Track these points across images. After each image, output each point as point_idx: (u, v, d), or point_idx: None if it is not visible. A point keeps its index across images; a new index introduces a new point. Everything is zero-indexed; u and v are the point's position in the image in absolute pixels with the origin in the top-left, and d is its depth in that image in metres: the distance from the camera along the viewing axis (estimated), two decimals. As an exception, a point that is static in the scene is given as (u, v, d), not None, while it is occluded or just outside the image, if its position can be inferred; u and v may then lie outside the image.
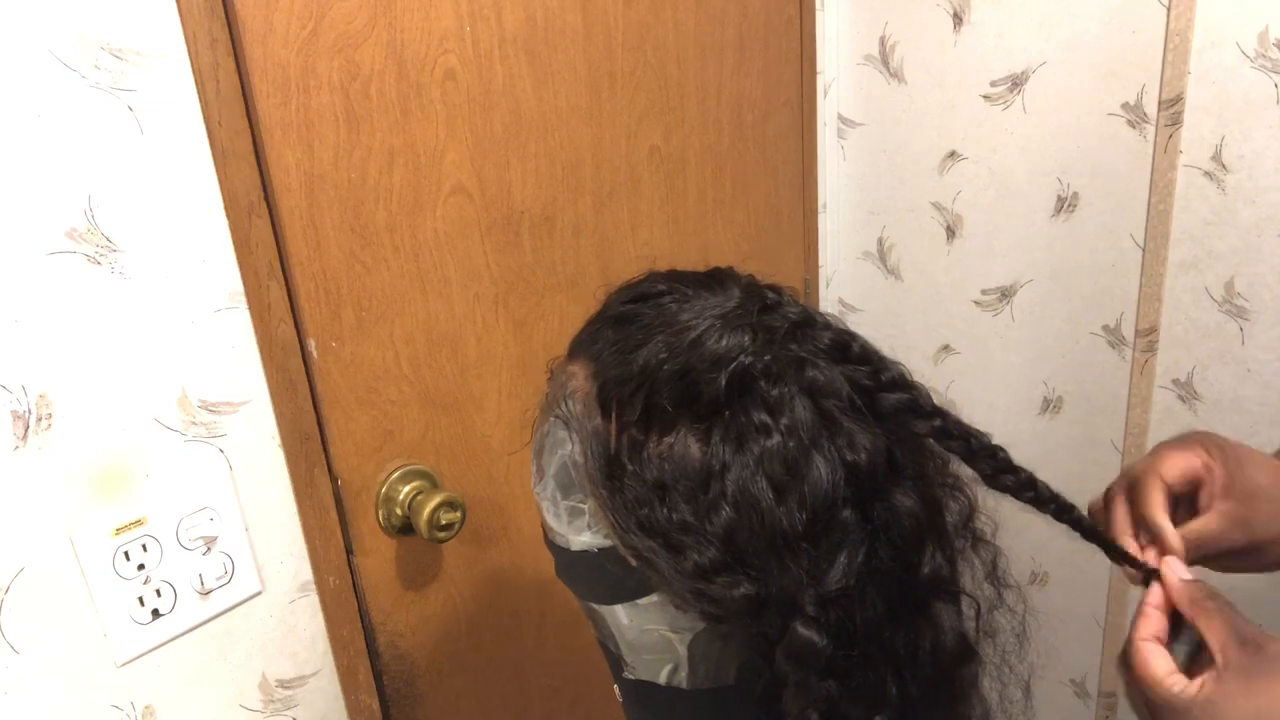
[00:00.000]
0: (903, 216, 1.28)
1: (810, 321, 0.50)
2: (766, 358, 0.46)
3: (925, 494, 0.48)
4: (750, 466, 0.45)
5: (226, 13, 0.71)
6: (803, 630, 0.45)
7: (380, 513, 0.87)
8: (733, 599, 0.46)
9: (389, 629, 0.90)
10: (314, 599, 0.85)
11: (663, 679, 0.54)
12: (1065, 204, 1.14)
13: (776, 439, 0.45)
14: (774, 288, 0.52)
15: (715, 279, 0.52)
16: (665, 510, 0.46)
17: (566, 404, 0.51)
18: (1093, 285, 1.16)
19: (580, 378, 0.51)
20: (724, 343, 0.47)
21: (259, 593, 0.80)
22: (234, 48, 0.72)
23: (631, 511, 0.47)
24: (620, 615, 0.53)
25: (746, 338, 0.47)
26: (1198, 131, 1.03)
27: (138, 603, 0.73)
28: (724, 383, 0.46)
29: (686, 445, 0.46)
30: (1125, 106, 1.07)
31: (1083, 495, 1.27)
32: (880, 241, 1.31)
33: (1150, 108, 1.05)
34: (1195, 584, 0.52)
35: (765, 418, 0.45)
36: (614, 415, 0.48)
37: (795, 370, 0.46)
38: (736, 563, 0.46)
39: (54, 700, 0.69)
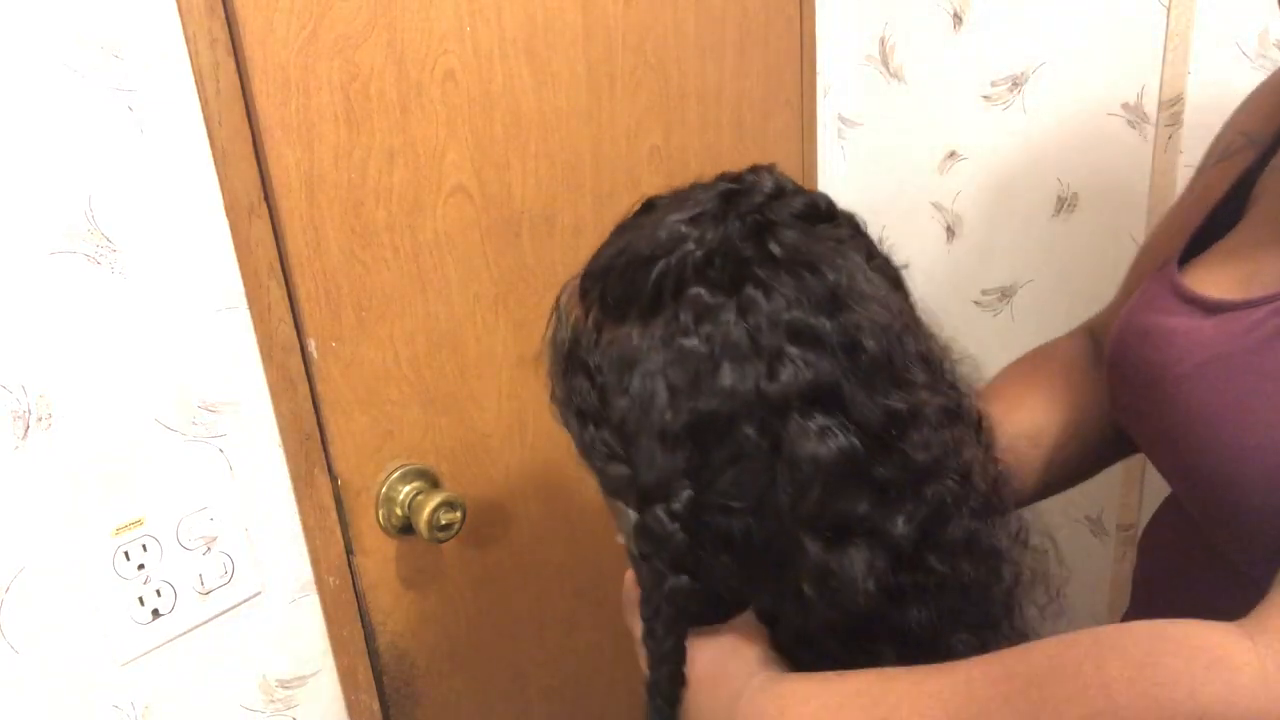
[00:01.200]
0: (903, 216, 1.28)
1: (778, 193, 0.51)
2: (715, 260, 0.48)
3: (863, 439, 0.47)
4: (659, 364, 0.47)
5: (226, 13, 0.71)
6: (652, 512, 0.49)
7: (380, 513, 0.87)
8: (613, 478, 0.51)
9: (389, 629, 0.90)
10: (314, 599, 0.85)
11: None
12: (1065, 204, 1.14)
13: (693, 342, 0.47)
14: (755, 170, 0.53)
15: (718, 181, 0.53)
16: (594, 395, 0.51)
17: (559, 300, 0.56)
18: (1093, 285, 1.16)
19: (574, 281, 0.55)
20: (666, 236, 0.49)
21: (259, 593, 0.80)
22: (234, 48, 0.72)
23: (570, 398, 0.53)
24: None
25: (693, 231, 0.49)
26: (1198, 131, 1.03)
27: (138, 603, 0.73)
28: (652, 280, 0.48)
29: (629, 338, 0.49)
30: (1125, 106, 1.07)
31: (1082, 495, 1.26)
32: (880, 241, 1.31)
33: (1150, 108, 1.05)
34: None
35: (689, 320, 0.47)
36: (582, 308, 0.53)
37: (736, 283, 0.47)
38: (623, 446, 0.50)
39: (54, 700, 0.69)
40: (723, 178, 0.53)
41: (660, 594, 0.50)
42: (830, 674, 0.48)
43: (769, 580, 0.51)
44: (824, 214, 0.51)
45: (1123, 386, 0.62)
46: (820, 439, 0.46)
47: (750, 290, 0.47)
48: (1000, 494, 0.54)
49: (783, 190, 0.51)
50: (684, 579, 0.49)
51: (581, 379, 0.52)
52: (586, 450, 0.53)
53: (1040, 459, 0.69)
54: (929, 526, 0.49)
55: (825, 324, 0.46)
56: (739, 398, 0.46)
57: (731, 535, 0.49)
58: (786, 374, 0.45)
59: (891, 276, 0.53)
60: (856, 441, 0.46)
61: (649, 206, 0.54)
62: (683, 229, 0.49)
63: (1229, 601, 0.53)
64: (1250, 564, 0.53)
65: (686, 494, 0.48)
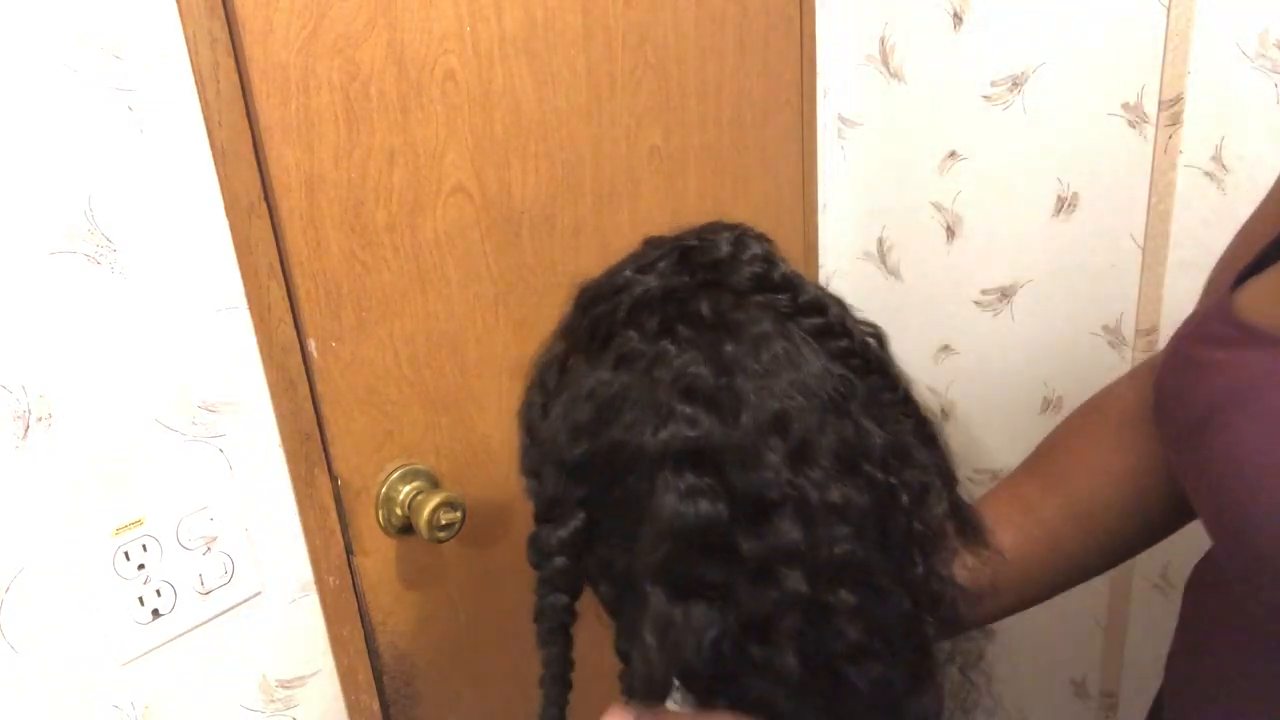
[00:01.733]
0: (903, 216, 1.28)
1: (731, 259, 0.51)
2: (646, 311, 0.50)
3: (732, 510, 0.47)
4: (577, 396, 0.50)
5: (226, 13, 0.71)
6: (545, 529, 0.52)
7: (380, 513, 0.87)
8: (529, 489, 0.55)
9: (389, 629, 0.90)
10: (314, 599, 0.85)
11: None
12: (1065, 204, 1.14)
13: (606, 382, 0.49)
14: (717, 229, 0.54)
15: (687, 235, 0.55)
16: (539, 411, 0.55)
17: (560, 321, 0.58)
18: (1093, 285, 1.16)
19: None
20: (615, 280, 0.52)
21: (259, 593, 0.80)
22: (234, 48, 0.72)
23: (525, 409, 0.57)
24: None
25: (638, 279, 0.51)
26: (1198, 131, 1.03)
27: (138, 603, 0.73)
28: (590, 318, 0.52)
29: (576, 368, 0.53)
30: (1125, 106, 1.07)
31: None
32: (880, 241, 1.31)
33: (1150, 108, 1.05)
34: None
35: (611, 362, 0.50)
36: (562, 332, 0.56)
37: (659, 335, 0.49)
38: (540, 464, 0.53)
39: (54, 700, 0.69)
40: (696, 231, 0.55)
41: (541, 605, 0.53)
42: None
43: (629, 618, 0.53)
44: (773, 285, 0.51)
45: (1163, 423, 0.58)
46: (685, 499, 0.46)
47: (667, 344, 0.48)
48: (921, 614, 0.51)
49: (737, 256, 0.52)
50: (563, 598, 0.53)
51: (537, 394, 0.55)
52: (520, 459, 0.56)
53: (1095, 537, 0.63)
54: (773, 612, 0.48)
55: (718, 389, 0.47)
56: (631, 444, 0.48)
57: (612, 569, 0.52)
58: (668, 431, 0.47)
59: (858, 362, 0.51)
60: (724, 510, 0.46)
61: (645, 243, 0.57)
62: (629, 274, 0.52)
63: (1262, 664, 0.50)
64: (1270, 619, 0.50)
65: (575, 524, 0.51)
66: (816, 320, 0.51)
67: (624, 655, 0.55)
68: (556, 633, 0.54)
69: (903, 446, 0.51)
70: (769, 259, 0.52)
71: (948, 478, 0.54)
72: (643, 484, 0.48)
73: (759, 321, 0.49)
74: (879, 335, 0.53)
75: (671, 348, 0.48)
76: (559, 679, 0.56)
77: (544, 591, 0.53)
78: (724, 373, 0.47)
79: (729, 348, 0.47)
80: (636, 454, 0.48)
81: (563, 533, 0.51)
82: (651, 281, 0.51)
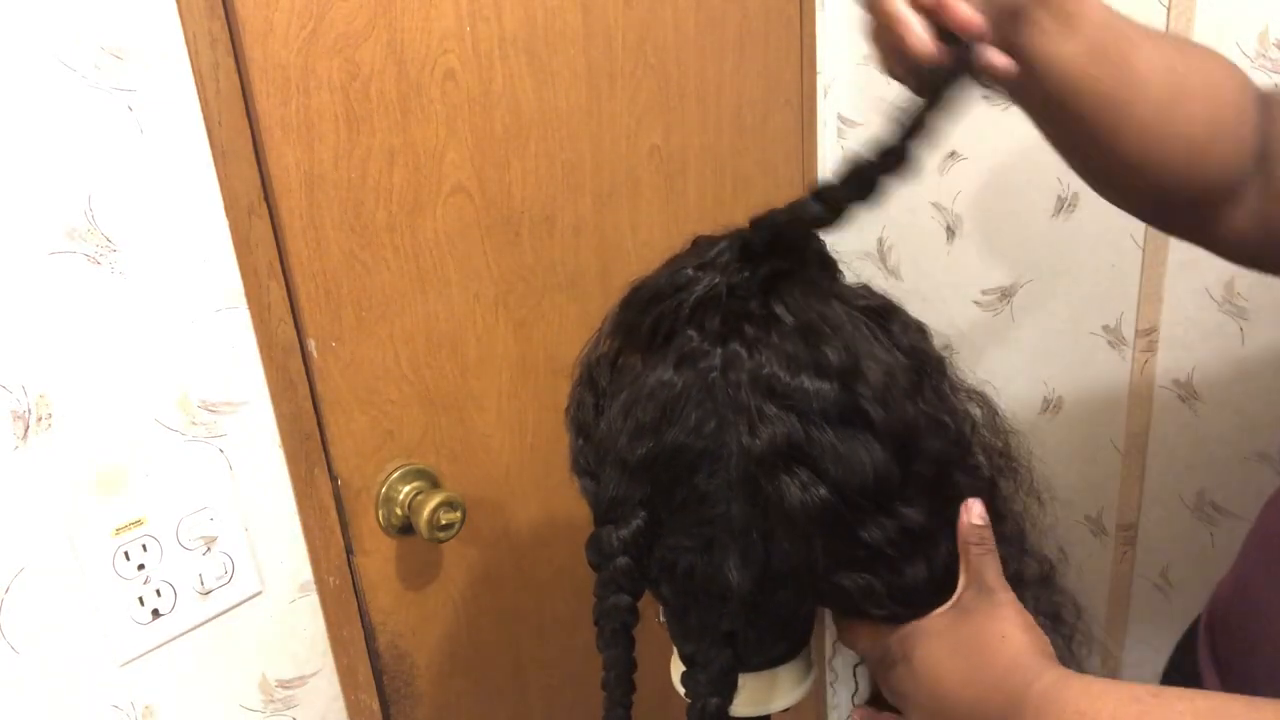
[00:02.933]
0: (903, 216, 1.28)
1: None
2: (710, 309, 0.49)
3: (839, 497, 0.48)
4: (637, 396, 0.50)
5: (226, 13, 0.71)
6: (605, 530, 0.51)
7: (380, 513, 0.87)
8: (584, 489, 0.55)
9: (389, 629, 0.90)
10: (314, 599, 0.85)
11: None
12: (1065, 204, 1.14)
13: (669, 382, 0.49)
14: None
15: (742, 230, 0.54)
16: (591, 411, 0.54)
17: (604, 320, 0.58)
18: (1093, 285, 1.16)
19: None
20: (675, 278, 0.51)
21: (259, 593, 0.80)
22: (234, 48, 0.72)
23: (575, 409, 0.56)
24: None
25: (700, 276, 0.50)
26: (1198, 131, 1.03)
27: (138, 603, 0.73)
28: (650, 318, 0.51)
29: (633, 367, 0.52)
30: (1125, 106, 1.07)
31: (1082, 495, 1.26)
32: (880, 241, 1.31)
33: (1150, 108, 1.05)
34: (982, 528, 0.52)
35: (673, 361, 0.49)
36: (611, 332, 0.56)
37: (726, 334, 0.49)
38: (597, 464, 0.53)
39: (54, 700, 0.69)
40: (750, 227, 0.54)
41: (603, 606, 0.53)
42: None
43: (696, 622, 0.53)
44: (834, 280, 0.52)
45: None
46: (804, 491, 0.47)
47: (736, 345, 0.48)
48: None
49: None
50: (625, 598, 0.52)
51: (588, 394, 0.55)
52: (572, 459, 0.56)
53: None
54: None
55: (793, 388, 0.47)
56: (701, 443, 0.48)
57: (675, 569, 0.51)
58: (765, 431, 0.47)
59: (918, 358, 0.52)
60: (831, 497, 0.47)
61: (694, 243, 0.56)
62: (690, 273, 0.51)
63: None
64: None
65: (637, 523, 0.51)
66: (878, 316, 0.52)
67: (689, 658, 0.54)
68: (620, 634, 0.54)
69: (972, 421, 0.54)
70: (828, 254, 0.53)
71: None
72: (711, 483, 0.48)
73: (827, 318, 0.49)
74: (923, 330, 0.54)
75: (742, 349, 0.48)
76: (623, 680, 0.55)
77: (605, 593, 0.52)
78: (799, 370, 0.47)
79: (801, 346, 0.48)
80: (706, 454, 0.48)
81: (624, 533, 0.51)
82: (714, 279, 0.50)
